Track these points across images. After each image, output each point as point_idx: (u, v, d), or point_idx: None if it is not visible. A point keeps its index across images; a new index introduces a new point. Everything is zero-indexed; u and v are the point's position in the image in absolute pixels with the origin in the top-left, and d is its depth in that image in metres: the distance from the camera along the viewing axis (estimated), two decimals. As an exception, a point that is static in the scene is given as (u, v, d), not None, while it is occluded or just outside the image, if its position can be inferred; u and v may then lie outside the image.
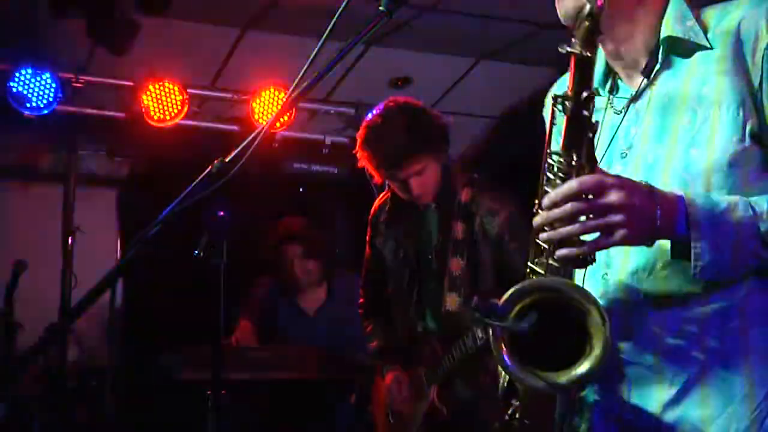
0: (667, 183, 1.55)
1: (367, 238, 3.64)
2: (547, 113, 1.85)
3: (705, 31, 1.62)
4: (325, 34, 1.77)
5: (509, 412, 1.64)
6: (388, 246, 3.54)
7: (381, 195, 3.60)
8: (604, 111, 1.70)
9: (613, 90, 1.73)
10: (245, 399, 4.40)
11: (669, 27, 1.63)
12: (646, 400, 1.60)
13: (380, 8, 1.80)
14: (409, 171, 3.22)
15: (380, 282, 3.62)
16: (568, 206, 1.44)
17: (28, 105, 4.96)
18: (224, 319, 2.84)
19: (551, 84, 1.85)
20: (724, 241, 1.47)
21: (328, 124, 5.78)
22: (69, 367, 5.04)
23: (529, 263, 1.56)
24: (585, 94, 1.45)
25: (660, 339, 1.58)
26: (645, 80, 1.65)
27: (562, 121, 1.49)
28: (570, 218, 1.45)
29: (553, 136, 1.55)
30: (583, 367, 1.45)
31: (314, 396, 4.59)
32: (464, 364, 3.27)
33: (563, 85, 1.82)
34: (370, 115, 3.32)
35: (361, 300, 3.76)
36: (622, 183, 1.46)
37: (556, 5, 1.65)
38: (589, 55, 1.45)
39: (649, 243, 1.50)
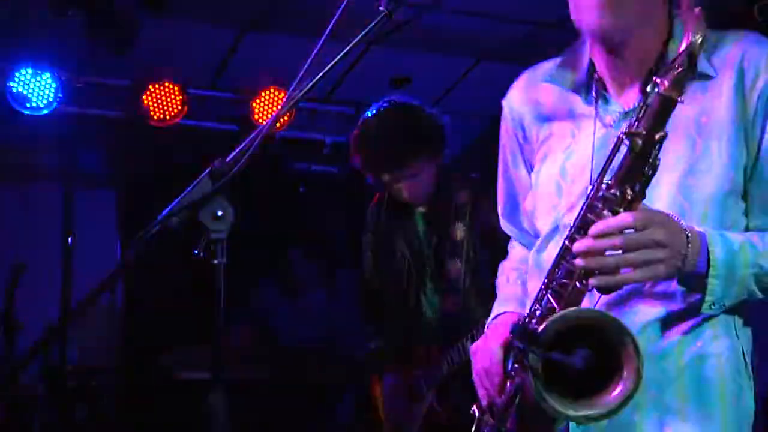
0: (663, 206, 1.59)
1: (363, 239, 3.61)
2: (509, 124, 1.88)
3: (710, 60, 1.64)
4: (325, 34, 1.77)
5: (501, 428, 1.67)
6: (384, 248, 3.50)
7: (375, 197, 3.55)
8: (594, 119, 1.71)
9: (598, 99, 1.72)
10: (245, 399, 4.40)
11: (674, 50, 1.61)
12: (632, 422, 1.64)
13: (380, 8, 1.79)
14: (404, 174, 3.16)
15: (377, 284, 3.60)
16: (617, 239, 1.47)
17: (28, 105, 4.96)
18: (224, 319, 2.84)
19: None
20: (732, 280, 1.55)
21: (328, 124, 5.78)
22: (69, 367, 5.04)
23: (544, 280, 1.58)
24: (659, 135, 1.47)
25: (643, 353, 1.58)
26: (641, 99, 1.63)
27: (621, 152, 1.50)
28: (616, 250, 1.48)
29: (607, 166, 1.55)
30: (616, 400, 1.48)
31: (314, 396, 4.59)
32: (464, 367, 3.24)
33: (527, 94, 1.85)
34: (364, 116, 3.23)
35: (359, 303, 3.74)
36: (665, 220, 1.51)
37: (591, 12, 1.61)
38: (675, 98, 1.46)
39: (673, 278, 1.56)
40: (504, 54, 5.33)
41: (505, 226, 2.07)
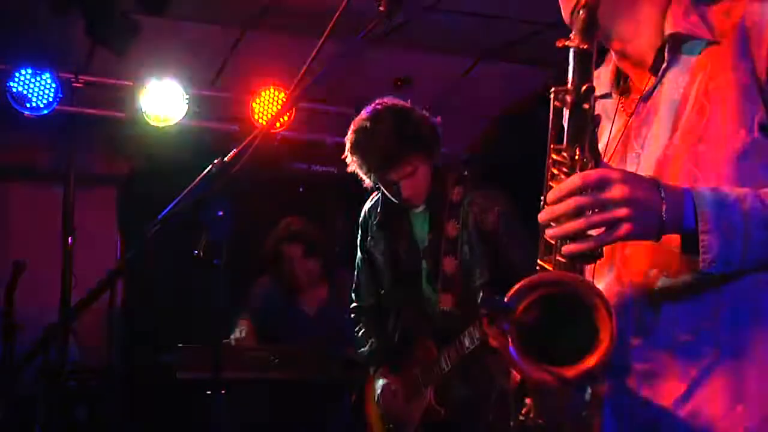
0: (676, 179, 1.54)
1: (358, 241, 3.64)
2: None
3: (709, 26, 1.61)
4: (325, 34, 1.77)
5: (523, 411, 1.64)
6: (380, 247, 3.53)
7: (370, 198, 3.58)
8: (614, 114, 1.70)
9: (626, 92, 1.73)
10: (245, 399, 4.40)
11: (672, 24, 1.63)
12: (658, 395, 1.60)
13: (380, 8, 1.80)
14: (400, 173, 3.21)
15: (372, 284, 3.62)
16: (571, 201, 1.43)
17: (28, 105, 4.96)
18: (224, 319, 2.85)
19: (550, 83, 1.84)
20: (732, 234, 1.46)
21: (328, 124, 5.78)
22: (69, 367, 5.04)
23: (538, 260, 1.54)
24: (585, 87, 1.45)
25: (672, 334, 1.58)
26: (653, 79, 1.65)
27: (563, 115, 1.49)
28: (574, 213, 1.44)
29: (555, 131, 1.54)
30: (590, 361, 1.43)
31: (314, 396, 4.59)
32: (462, 364, 3.25)
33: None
34: (357, 118, 3.27)
35: (354, 303, 3.75)
36: (626, 177, 1.45)
37: (562, 7, 1.64)
38: (586, 47, 1.44)
39: (656, 237, 1.49)
40: (504, 54, 5.33)
41: None
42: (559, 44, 1.47)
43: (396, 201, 3.32)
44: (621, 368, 1.61)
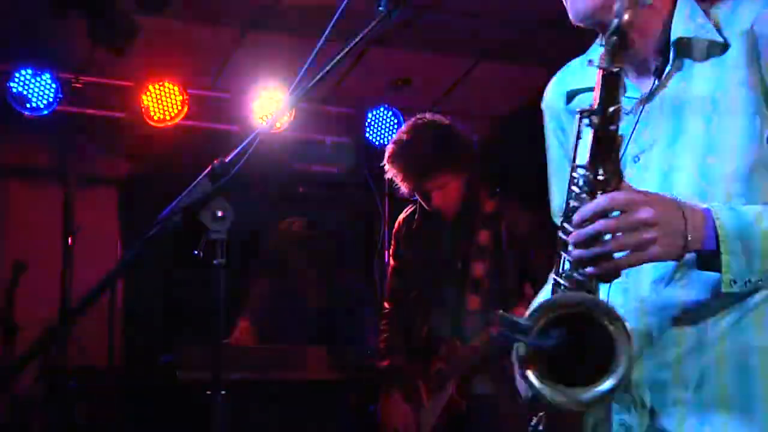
0: (683, 191, 1.54)
1: (392, 250, 3.84)
2: (549, 105, 1.85)
3: (717, 30, 1.59)
4: (325, 34, 1.77)
5: (534, 421, 1.64)
6: (415, 254, 3.72)
7: (405, 209, 3.78)
8: None
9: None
10: (245, 399, 4.39)
11: (679, 27, 1.61)
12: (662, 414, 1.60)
13: (380, 9, 1.79)
14: (432, 184, 3.46)
15: (404, 291, 3.75)
16: (599, 224, 1.42)
17: (28, 105, 4.96)
18: (224, 319, 2.84)
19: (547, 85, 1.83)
20: (752, 254, 1.46)
21: (328, 124, 5.77)
22: (69, 367, 5.04)
23: (554, 276, 1.54)
24: (612, 109, 1.45)
25: (679, 347, 1.58)
26: (656, 81, 1.63)
27: (587, 135, 1.48)
28: (601, 236, 1.44)
29: (578, 150, 1.52)
30: (606, 384, 1.43)
31: (314, 396, 4.59)
32: (484, 360, 3.42)
33: (558, 87, 1.82)
34: (399, 130, 3.57)
35: (385, 311, 3.83)
36: (652, 199, 1.45)
37: (566, 4, 1.63)
38: (616, 71, 1.44)
39: (679, 258, 1.49)
40: (504, 54, 5.33)
41: None
42: (589, 65, 1.47)
43: (429, 208, 3.55)
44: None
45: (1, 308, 4.70)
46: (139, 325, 5.80)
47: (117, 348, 5.44)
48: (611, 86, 1.45)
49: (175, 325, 5.15)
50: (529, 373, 1.46)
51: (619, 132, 1.47)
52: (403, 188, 3.53)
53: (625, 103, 1.65)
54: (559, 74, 1.85)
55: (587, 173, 1.47)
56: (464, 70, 5.55)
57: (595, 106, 1.46)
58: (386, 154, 3.52)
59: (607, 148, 1.46)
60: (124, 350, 5.59)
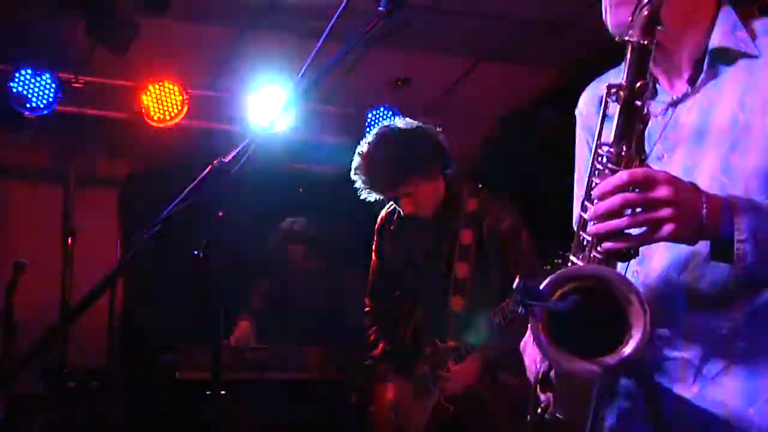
0: (703, 185, 1.54)
1: (374, 246, 3.78)
2: (581, 111, 1.86)
3: (752, 37, 1.61)
4: (325, 34, 1.77)
5: (540, 407, 1.63)
6: (395, 252, 3.68)
7: (387, 205, 3.70)
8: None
9: (653, 95, 1.71)
10: (245, 399, 4.40)
11: (719, 38, 1.63)
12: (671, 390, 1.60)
13: (380, 8, 1.80)
14: (398, 193, 3.42)
15: (386, 289, 3.75)
16: (617, 198, 1.43)
17: (28, 105, 4.96)
18: (224, 319, 2.85)
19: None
20: (766, 244, 1.47)
21: (328, 124, 5.78)
22: (69, 367, 5.04)
23: (570, 256, 1.54)
24: (639, 83, 1.45)
25: (691, 335, 1.58)
26: (688, 88, 1.64)
27: (614, 111, 1.48)
28: (619, 210, 1.44)
29: (603, 130, 1.53)
30: (628, 348, 1.42)
31: (314, 396, 4.59)
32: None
33: (592, 93, 1.83)
34: (363, 141, 3.48)
35: (367, 308, 3.83)
36: (671, 178, 1.45)
37: (606, 16, 1.64)
38: (646, 43, 1.45)
39: (694, 242, 1.49)
40: (504, 54, 5.33)
41: None
42: (619, 40, 1.48)
43: (402, 213, 3.50)
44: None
45: (1, 308, 4.70)
46: (139, 325, 5.80)
47: (117, 348, 5.44)
48: (640, 60, 1.46)
49: (175, 325, 5.14)
50: (543, 340, 1.45)
51: (645, 109, 1.47)
52: (373, 196, 3.49)
53: (653, 107, 1.65)
54: (594, 82, 1.87)
55: (611, 149, 1.48)
56: (464, 70, 5.55)
57: (624, 81, 1.46)
58: (353, 167, 3.47)
59: (632, 124, 1.47)
60: (124, 350, 5.59)
